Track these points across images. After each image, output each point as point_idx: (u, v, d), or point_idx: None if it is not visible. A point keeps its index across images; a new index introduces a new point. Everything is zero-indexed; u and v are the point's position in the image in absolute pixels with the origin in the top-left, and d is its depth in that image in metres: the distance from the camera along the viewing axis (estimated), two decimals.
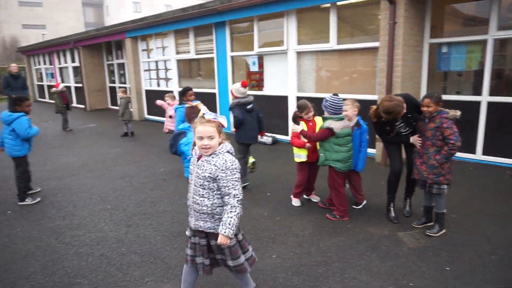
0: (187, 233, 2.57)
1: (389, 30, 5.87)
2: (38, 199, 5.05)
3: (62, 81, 18.21)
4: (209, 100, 9.77)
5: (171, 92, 9.67)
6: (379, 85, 6.29)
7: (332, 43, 7.03)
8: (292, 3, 7.25)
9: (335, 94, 4.02)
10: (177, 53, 11.03)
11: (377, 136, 4.41)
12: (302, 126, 4.33)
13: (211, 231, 2.39)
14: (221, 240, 2.27)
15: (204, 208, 2.35)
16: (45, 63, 19.79)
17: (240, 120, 4.97)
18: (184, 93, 6.01)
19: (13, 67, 10.56)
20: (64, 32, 24.39)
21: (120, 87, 14.05)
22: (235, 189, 2.30)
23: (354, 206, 4.49)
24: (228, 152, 2.35)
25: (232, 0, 8.09)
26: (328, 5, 6.94)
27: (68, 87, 17.53)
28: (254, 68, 8.74)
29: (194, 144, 2.49)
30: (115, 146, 8.55)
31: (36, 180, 5.72)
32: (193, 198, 2.38)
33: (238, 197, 2.31)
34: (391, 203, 4.16)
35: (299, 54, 7.74)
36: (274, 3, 7.49)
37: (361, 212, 4.35)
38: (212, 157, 2.32)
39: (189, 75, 11.26)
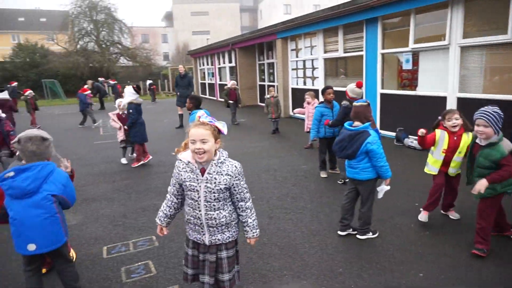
0: (189, 251, 2.41)
1: None
2: None
3: (220, 80, 20.50)
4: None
5: (313, 91, 9.74)
6: None
7: (511, 35, 5.89)
8: None
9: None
10: (325, 51, 11.03)
11: None
12: (443, 138, 3.72)
13: (230, 240, 2.34)
14: (254, 241, 2.39)
15: (223, 220, 2.26)
16: (207, 64, 22.59)
17: (337, 122, 5.38)
18: (323, 92, 5.98)
19: (180, 68, 12.27)
20: (223, 36, 27.38)
21: (270, 86, 14.87)
22: (247, 192, 2.32)
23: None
24: (228, 157, 2.29)
25: None
26: None
27: (225, 85, 19.60)
28: (407, 66, 8.05)
29: (177, 151, 2.33)
30: (261, 140, 9.13)
31: None
32: (207, 215, 2.23)
33: (251, 198, 2.37)
34: None
35: (464, 49, 6.75)
36: None
37: None
38: (220, 167, 2.19)
39: (335, 74, 11.15)
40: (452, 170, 3.85)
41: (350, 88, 5.36)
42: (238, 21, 53.79)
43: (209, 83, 22.70)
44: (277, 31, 12.88)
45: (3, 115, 5.76)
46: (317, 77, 11.54)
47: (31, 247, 2.48)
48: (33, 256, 2.58)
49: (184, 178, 2.20)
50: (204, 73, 23.64)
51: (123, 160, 7.30)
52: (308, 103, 7.69)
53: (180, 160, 2.24)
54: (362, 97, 5.37)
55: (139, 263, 3.46)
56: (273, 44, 14.67)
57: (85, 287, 3.10)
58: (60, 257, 2.71)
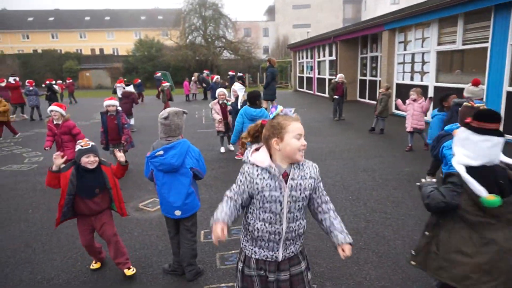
0: (256, 272, 1.93)
1: None
2: None
3: (319, 74, 20.13)
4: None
5: (420, 87, 8.86)
6: None
7: None
8: None
9: None
10: (439, 44, 9.95)
11: None
12: None
13: (301, 248, 1.99)
14: (350, 250, 1.85)
15: (301, 230, 1.91)
16: (306, 57, 22.37)
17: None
18: (444, 98, 5.33)
19: (266, 63, 12.21)
20: (323, 29, 26.73)
21: (381, 84, 14.07)
22: (326, 193, 1.97)
23: None
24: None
25: None
26: None
27: (323, 79, 19.19)
28: None
29: (243, 148, 1.93)
30: (361, 137, 8.67)
31: None
32: (288, 228, 1.84)
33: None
34: None
35: None
36: None
37: None
38: (303, 169, 1.82)
39: (449, 69, 10.00)
40: None
41: (466, 87, 4.81)
42: (340, 13, 52.05)
43: (307, 77, 22.49)
44: (384, 22, 12.05)
45: (120, 108, 6.19)
46: (427, 72, 10.50)
47: (177, 212, 2.93)
48: (176, 220, 3.03)
49: (262, 187, 1.76)
50: (302, 66, 23.50)
51: (222, 149, 7.62)
52: (414, 101, 7.03)
53: (254, 164, 1.79)
54: (479, 97, 4.71)
55: (233, 252, 3.54)
56: (378, 37, 13.81)
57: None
58: (190, 224, 3.04)
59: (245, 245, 1.95)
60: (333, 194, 4.97)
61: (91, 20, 50.81)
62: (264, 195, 1.77)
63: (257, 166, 1.78)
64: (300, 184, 1.80)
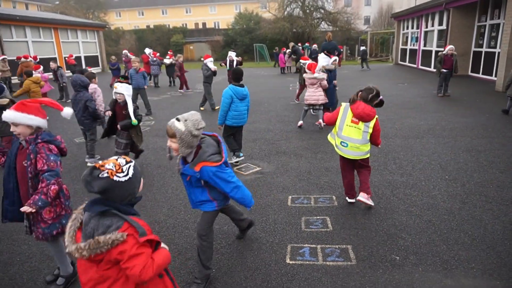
0: None
1: None
2: None
3: (424, 45, 18.41)
4: None
5: None
6: None
7: None
8: None
9: None
10: None
11: None
12: None
13: None
14: None
15: None
16: (412, 27, 20.55)
17: None
18: None
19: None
20: None
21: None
22: None
23: None
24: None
25: None
26: None
27: (429, 51, 17.53)
28: None
29: None
30: (467, 115, 7.88)
31: (388, 135, 6.37)
32: None
33: None
34: None
35: None
36: None
37: None
38: None
39: None
40: None
41: None
42: None
43: (410, 49, 20.75)
44: None
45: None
46: None
47: None
48: None
49: None
50: (407, 37, 21.68)
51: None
52: None
53: None
54: None
55: (318, 217, 3.71)
56: (502, 1, 12.00)
57: (271, 226, 3.58)
58: None
59: None
60: (427, 173, 4.74)
61: None
62: None
63: None
64: None
